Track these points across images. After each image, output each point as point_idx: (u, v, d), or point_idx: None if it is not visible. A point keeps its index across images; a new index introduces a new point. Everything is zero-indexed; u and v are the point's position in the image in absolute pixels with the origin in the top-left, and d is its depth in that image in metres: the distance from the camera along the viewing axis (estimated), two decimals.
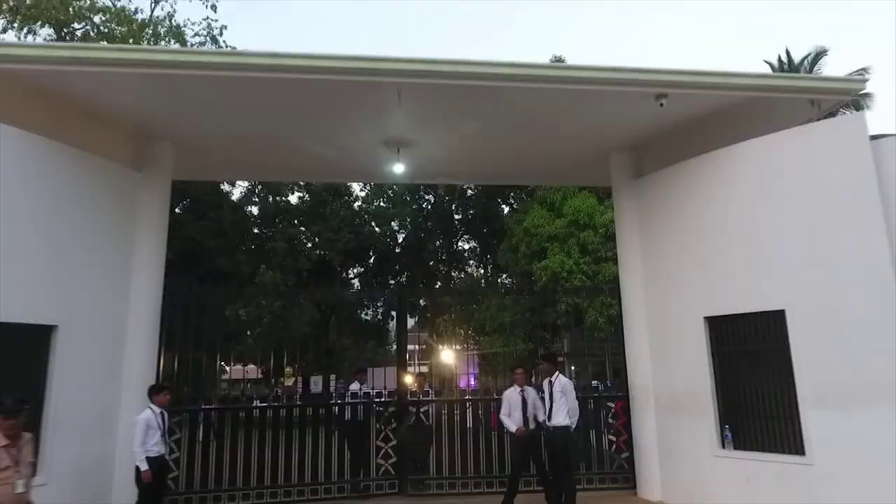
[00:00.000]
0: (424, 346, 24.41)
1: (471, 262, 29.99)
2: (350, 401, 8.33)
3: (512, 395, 7.32)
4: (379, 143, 7.73)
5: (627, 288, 8.15)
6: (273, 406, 7.96)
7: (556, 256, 18.17)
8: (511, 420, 7.20)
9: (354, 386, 8.77)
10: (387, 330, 27.80)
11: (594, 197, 19.27)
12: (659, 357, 7.58)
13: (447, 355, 23.69)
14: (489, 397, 8.62)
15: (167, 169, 7.65)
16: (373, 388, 8.66)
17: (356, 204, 27.21)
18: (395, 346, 9.20)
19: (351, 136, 7.60)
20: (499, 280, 26.95)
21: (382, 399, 8.26)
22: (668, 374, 7.39)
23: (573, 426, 6.85)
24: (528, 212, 20.44)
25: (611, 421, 8.31)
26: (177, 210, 24.47)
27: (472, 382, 20.20)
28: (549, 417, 6.84)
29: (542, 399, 7.10)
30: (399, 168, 7.98)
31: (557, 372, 7.04)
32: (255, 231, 25.75)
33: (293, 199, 26.72)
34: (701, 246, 7.00)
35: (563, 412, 6.75)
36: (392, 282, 27.34)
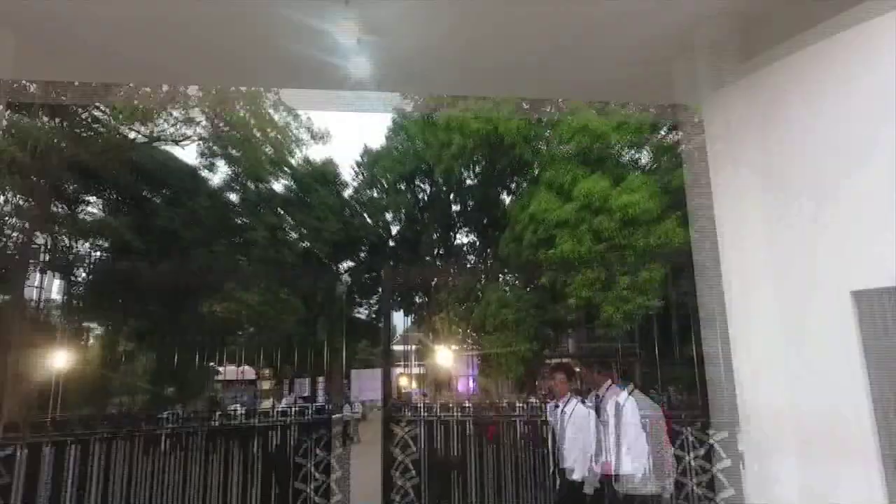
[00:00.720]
0: (419, 346, 22.42)
1: (470, 256, 28.19)
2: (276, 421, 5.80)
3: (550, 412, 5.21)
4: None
5: (704, 255, 4.97)
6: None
7: (566, 244, 16.34)
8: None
9: (288, 400, 6.51)
10: (378, 328, 25.97)
11: (608, 178, 17.48)
12: (763, 362, 4.59)
13: (444, 355, 21.71)
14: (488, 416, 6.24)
15: (5, 63, 5.25)
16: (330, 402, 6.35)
17: (346, 192, 25.43)
18: (382, 347, 6.86)
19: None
20: (499, 278, 25.18)
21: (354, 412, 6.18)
22: (789, 388, 4.34)
23: (641, 475, 4.30)
24: (534, 196, 18.60)
25: (692, 459, 5.24)
26: (154, 197, 22.61)
27: (472, 385, 18.30)
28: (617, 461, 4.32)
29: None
30: (361, 63, 5.09)
31: (609, 381, 4.67)
32: (237, 221, 23.87)
33: (278, 186, 24.85)
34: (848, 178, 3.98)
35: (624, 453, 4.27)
36: None
